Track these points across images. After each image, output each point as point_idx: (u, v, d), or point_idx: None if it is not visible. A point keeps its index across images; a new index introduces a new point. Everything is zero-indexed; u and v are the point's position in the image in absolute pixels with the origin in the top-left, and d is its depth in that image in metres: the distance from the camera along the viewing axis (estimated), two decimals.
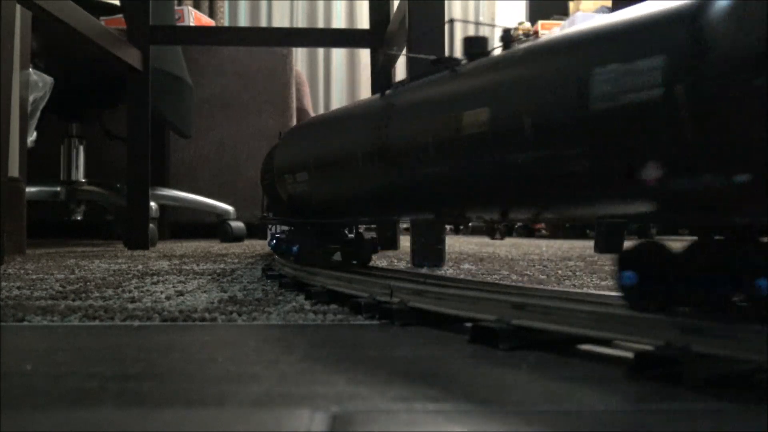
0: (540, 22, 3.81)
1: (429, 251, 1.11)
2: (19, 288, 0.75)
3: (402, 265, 1.13)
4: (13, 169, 1.39)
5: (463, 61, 0.52)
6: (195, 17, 2.76)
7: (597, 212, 0.42)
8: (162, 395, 0.32)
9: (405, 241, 1.68)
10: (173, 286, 0.78)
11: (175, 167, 2.69)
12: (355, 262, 0.83)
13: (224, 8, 4.20)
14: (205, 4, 3.99)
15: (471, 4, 4.61)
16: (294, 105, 2.81)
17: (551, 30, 3.13)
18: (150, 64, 1.73)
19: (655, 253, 0.41)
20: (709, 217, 0.37)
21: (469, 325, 0.47)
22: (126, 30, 1.73)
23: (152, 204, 1.80)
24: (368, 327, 0.52)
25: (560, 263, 1.24)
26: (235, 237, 2.33)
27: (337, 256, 0.85)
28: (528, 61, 0.43)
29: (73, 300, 0.65)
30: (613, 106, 0.36)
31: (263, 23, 4.31)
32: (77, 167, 2.15)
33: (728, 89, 0.31)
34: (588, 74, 0.37)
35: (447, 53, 1.01)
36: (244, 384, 0.35)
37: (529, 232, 3.36)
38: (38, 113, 1.64)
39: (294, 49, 2.88)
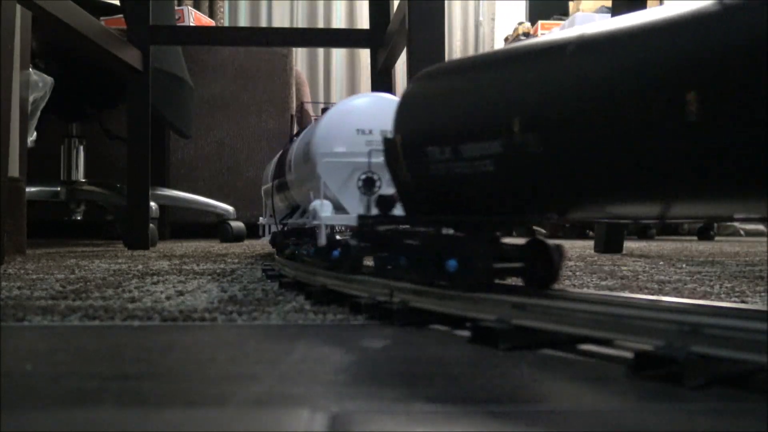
0: (540, 22, 3.81)
1: None
2: (19, 288, 0.75)
3: None
4: (13, 169, 1.39)
5: None
6: (195, 17, 2.76)
7: None
8: (162, 395, 0.32)
9: None
10: (173, 286, 0.78)
11: (175, 167, 2.69)
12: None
13: (224, 8, 4.20)
14: (205, 4, 3.99)
15: (471, 4, 4.61)
16: (294, 105, 2.81)
17: (551, 30, 3.13)
18: (150, 64, 1.73)
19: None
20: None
21: (469, 325, 0.47)
22: (126, 30, 1.74)
23: (152, 204, 1.80)
24: (368, 327, 0.52)
25: None
26: (235, 237, 2.33)
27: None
28: None
29: (73, 300, 0.65)
30: None
31: (263, 23, 4.31)
32: (77, 167, 2.15)
33: None
34: None
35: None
36: (244, 384, 0.35)
37: (529, 231, 3.36)
38: (38, 113, 1.64)
39: (294, 49, 2.88)
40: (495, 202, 0.49)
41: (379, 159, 0.66)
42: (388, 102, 0.79)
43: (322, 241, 0.71)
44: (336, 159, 0.76)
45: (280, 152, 1.18)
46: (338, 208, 0.75)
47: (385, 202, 0.62)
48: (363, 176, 0.72)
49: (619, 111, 0.38)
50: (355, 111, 0.78)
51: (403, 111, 0.57)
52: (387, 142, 0.58)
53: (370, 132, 0.77)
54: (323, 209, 0.72)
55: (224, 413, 0.30)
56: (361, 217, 0.64)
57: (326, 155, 0.76)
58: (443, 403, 0.31)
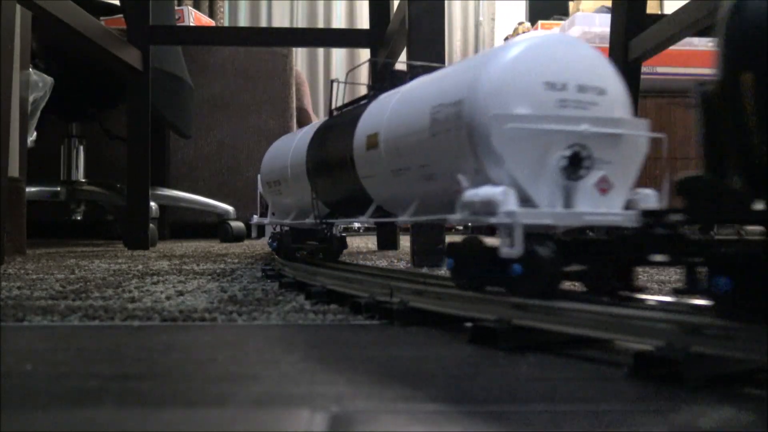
0: (540, 22, 3.81)
1: (429, 251, 1.11)
2: (19, 288, 0.75)
3: (402, 265, 1.13)
4: (13, 169, 1.39)
5: None
6: (195, 17, 2.76)
7: None
8: (162, 395, 0.32)
9: (405, 241, 1.68)
10: (173, 286, 0.78)
11: (175, 167, 2.69)
12: None
13: (224, 8, 4.20)
14: (205, 4, 3.99)
15: (471, 4, 4.61)
16: (294, 105, 2.81)
17: (551, 30, 3.12)
18: (150, 64, 1.73)
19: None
20: None
21: (469, 325, 0.47)
22: (126, 30, 1.73)
23: (152, 204, 1.80)
24: (368, 327, 0.52)
25: None
26: (235, 237, 2.33)
27: None
28: None
29: (73, 300, 0.65)
30: None
31: (263, 23, 4.31)
32: (77, 167, 2.15)
33: None
34: None
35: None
36: (244, 384, 0.35)
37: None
38: (38, 113, 1.64)
39: (294, 49, 2.88)
40: None
41: (583, 127, 0.48)
42: (575, 44, 0.52)
43: (518, 249, 0.45)
44: (523, 125, 0.48)
45: (316, 129, 0.87)
46: (524, 199, 0.48)
47: (694, 188, 0.38)
48: (567, 152, 0.48)
49: None
50: (540, 56, 0.50)
51: (753, 32, 0.34)
52: (719, 87, 0.36)
53: (563, 87, 0.50)
54: (508, 200, 0.46)
55: (224, 413, 0.30)
56: (649, 214, 0.41)
57: (505, 119, 0.48)
58: (443, 403, 0.31)
